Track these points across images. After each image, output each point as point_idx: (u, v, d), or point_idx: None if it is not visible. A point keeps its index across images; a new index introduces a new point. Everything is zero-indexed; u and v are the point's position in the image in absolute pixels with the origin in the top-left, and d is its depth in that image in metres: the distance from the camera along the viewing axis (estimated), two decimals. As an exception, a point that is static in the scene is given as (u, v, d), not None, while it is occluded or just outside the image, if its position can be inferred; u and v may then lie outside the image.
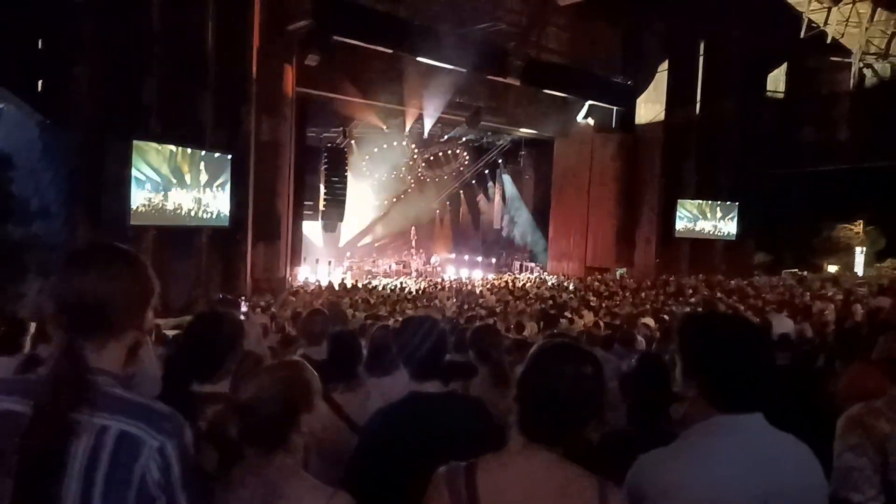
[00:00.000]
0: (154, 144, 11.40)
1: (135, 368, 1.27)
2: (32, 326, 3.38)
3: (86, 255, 1.22)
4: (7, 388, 1.15)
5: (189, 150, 12.08)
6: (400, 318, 7.33)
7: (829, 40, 18.80)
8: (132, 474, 1.09)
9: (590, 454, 1.33)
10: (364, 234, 29.28)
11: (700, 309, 10.95)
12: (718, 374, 1.38)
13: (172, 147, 11.72)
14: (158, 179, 11.57)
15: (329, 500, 1.38)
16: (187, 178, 12.13)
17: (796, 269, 20.54)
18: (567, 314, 10.45)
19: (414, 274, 25.23)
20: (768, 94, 21.88)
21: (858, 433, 1.65)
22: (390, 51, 16.81)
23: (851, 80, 20.26)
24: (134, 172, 11.08)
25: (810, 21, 18.62)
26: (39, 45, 10.59)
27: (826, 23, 18.64)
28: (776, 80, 22.06)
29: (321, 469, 1.85)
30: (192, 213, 12.41)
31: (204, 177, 12.47)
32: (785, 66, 21.81)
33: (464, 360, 3.63)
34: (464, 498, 1.29)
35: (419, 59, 17.33)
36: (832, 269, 21.79)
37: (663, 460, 1.41)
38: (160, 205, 11.74)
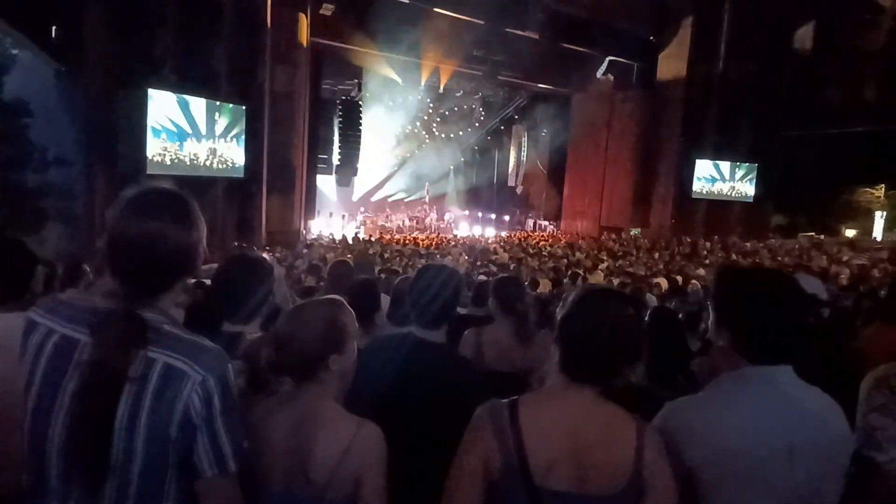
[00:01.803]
0: (169, 93, 11.33)
1: None
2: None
3: (145, 207, 1.22)
4: (69, 316, 1.22)
5: (204, 101, 12.00)
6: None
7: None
8: (175, 404, 1.16)
9: (625, 397, 1.36)
10: (378, 189, 29.21)
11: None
12: (751, 325, 1.40)
13: (187, 97, 11.65)
14: (174, 129, 11.54)
15: (358, 428, 1.45)
16: (202, 128, 12.09)
17: (813, 233, 20.32)
18: (580, 272, 10.48)
19: (427, 230, 25.25)
20: (794, 51, 21.19)
21: (885, 394, 1.65)
22: (407, 1, 16.44)
23: (882, 40, 19.59)
24: (149, 121, 11.03)
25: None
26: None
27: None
28: (803, 38, 21.34)
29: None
30: (208, 164, 12.42)
31: (219, 127, 12.42)
32: (813, 23, 21.06)
33: (482, 314, 3.68)
34: (508, 434, 1.32)
35: (436, 10, 16.94)
36: (850, 233, 21.54)
37: (692, 407, 1.43)
38: (176, 154, 11.73)
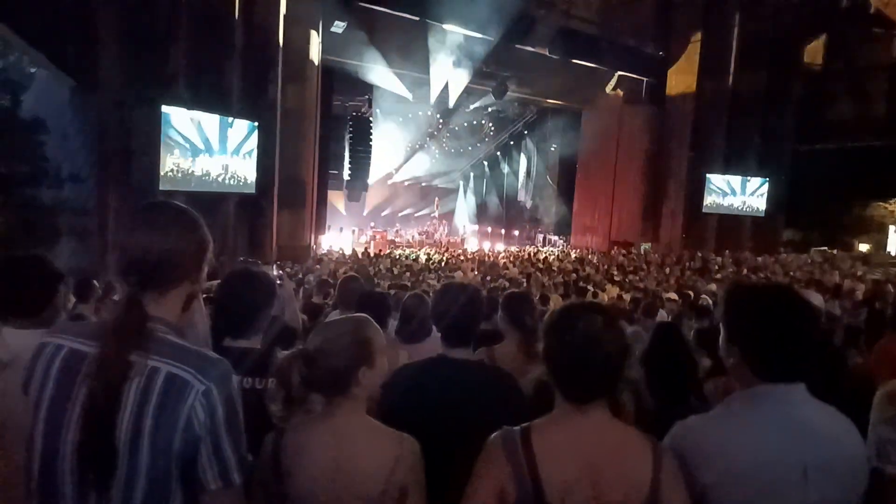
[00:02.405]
0: (182, 110, 11.47)
1: (184, 321, 1.34)
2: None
3: (151, 213, 1.31)
4: (76, 331, 1.26)
5: (216, 117, 12.13)
6: (423, 288, 7.39)
7: (871, 10, 18.09)
8: (179, 413, 1.16)
9: (636, 418, 1.35)
10: (388, 204, 29.30)
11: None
12: (762, 343, 1.38)
13: (200, 113, 11.78)
14: (187, 145, 11.66)
15: (400, 444, 1.48)
16: (215, 144, 12.21)
17: (825, 248, 20.12)
18: (590, 288, 10.42)
19: (437, 244, 25.27)
20: (804, 66, 21.12)
21: None
22: (417, 18, 16.58)
23: (893, 53, 19.51)
24: (163, 138, 11.16)
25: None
26: (70, 9, 10.65)
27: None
28: (813, 53, 21.28)
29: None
30: (220, 180, 12.53)
31: (231, 143, 12.54)
32: (823, 38, 21.01)
33: (490, 328, 3.66)
34: (522, 460, 1.31)
35: (446, 26, 17.08)
36: (863, 247, 21.32)
37: (702, 427, 1.41)
38: (189, 170, 11.85)
